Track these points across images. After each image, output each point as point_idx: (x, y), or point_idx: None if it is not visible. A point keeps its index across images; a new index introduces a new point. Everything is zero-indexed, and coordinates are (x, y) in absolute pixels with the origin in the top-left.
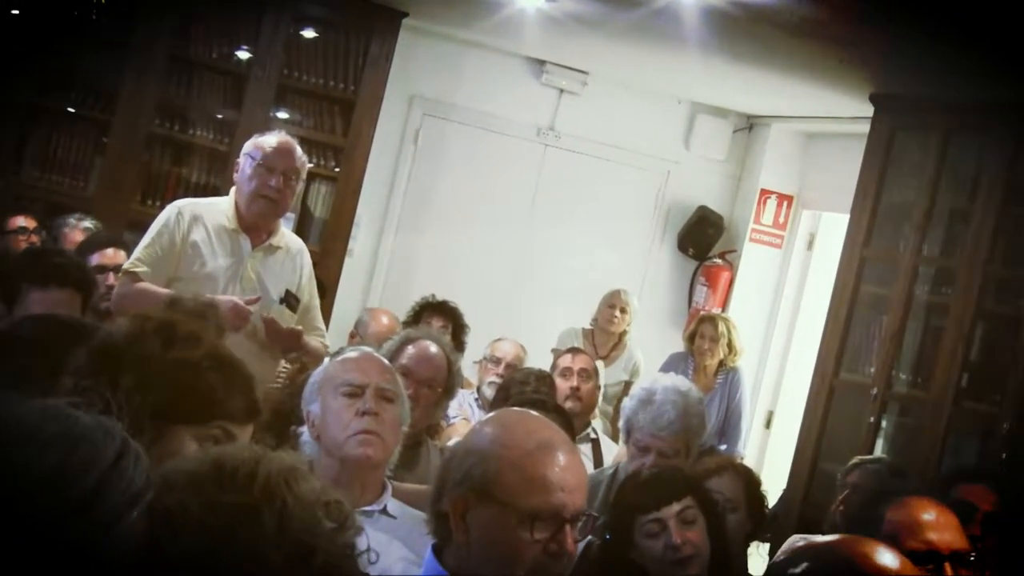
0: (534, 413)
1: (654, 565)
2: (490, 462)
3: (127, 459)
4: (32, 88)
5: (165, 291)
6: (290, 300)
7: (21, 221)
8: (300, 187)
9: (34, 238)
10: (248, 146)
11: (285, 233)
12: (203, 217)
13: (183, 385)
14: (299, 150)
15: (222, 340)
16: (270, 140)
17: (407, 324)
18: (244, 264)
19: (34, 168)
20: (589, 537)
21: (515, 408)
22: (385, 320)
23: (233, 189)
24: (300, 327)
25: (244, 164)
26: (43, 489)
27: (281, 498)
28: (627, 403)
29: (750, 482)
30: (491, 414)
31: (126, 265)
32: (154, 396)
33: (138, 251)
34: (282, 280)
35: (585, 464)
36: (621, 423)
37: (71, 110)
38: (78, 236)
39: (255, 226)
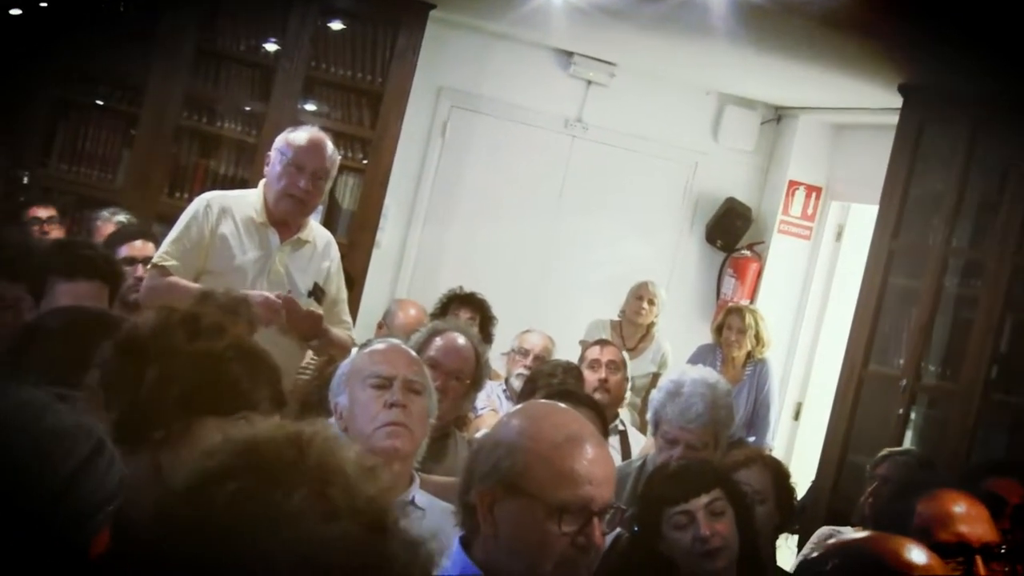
0: (562, 405)
1: (682, 557)
2: (518, 455)
3: (100, 460)
4: (60, 81)
5: (195, 286)
6: (318, 293)
7: (38, 212)
8: (329, 183)
9: (49, 227)
10: (279, 141)
11: (313, 227)
12: (232, 210)
13: (208, 376)
14: (330, 147)
15: (253, 335)
16: (301, 137)
17: (435, 316)
18: (272, 258)
19: (62, 161)
20: (618, 530)
21: (543, 400)
22: (413, 311)
23: (262, 182)
24: (320, 311)
25: (274, 160)
26: (13, 479)
27: (336, 468)
28: (655, 395)
29: (779, 474)
30: (519, 406)
31: (154, 258)
32: (179, 387)
33: (166, 244)
34: (309, 274)
35: (613, 456)
36: (649, 415)
37: (99, 103)
38: (111, 230)
39: (283, 221)
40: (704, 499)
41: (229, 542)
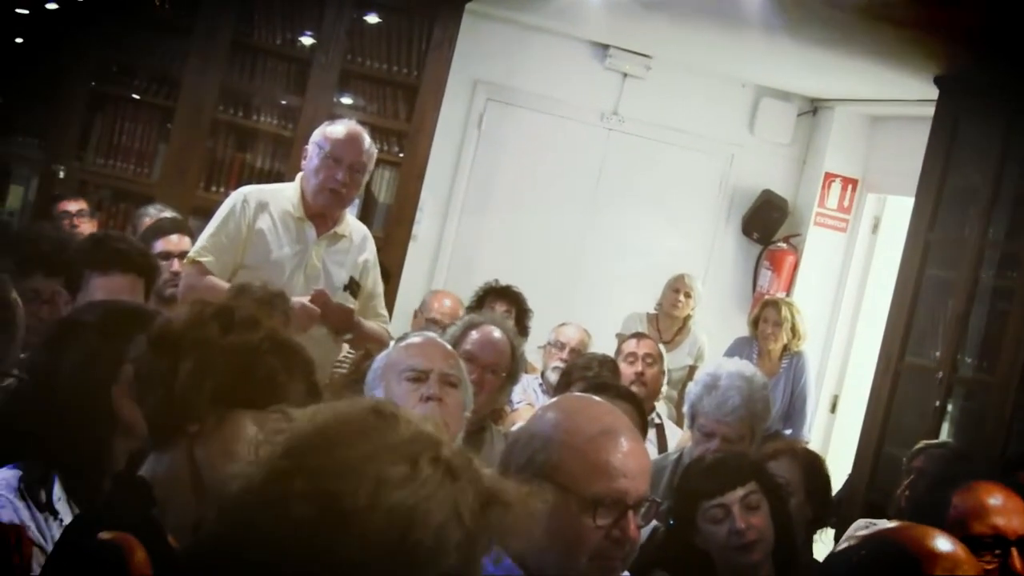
0: (597, 399)
1: (718, 551)
2: (553, 448)
3: None
4: (96, 75)
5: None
6: (353, 288)
7: (68, 205)
8: (366, 177)
9: (79, 221)
10: (316, 135)
11: (350, 221)
12: (269, 204)
13: (242, 369)
14: (367, 140)
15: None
16: (338, 130)
17: (471, 309)
18: (309, 252)
19: (99, 155)
20: (654, 523)
21: (578, 393)
22: (448, 302)
23: (299, 176)
24: (353, 305)
25: (312, 153)
26: None
27: (431, 432)
28: (692, 388)
29: (811, 467)
30: (554, 399)
31: (191, 253)
32: (213, 381)
33: (203, 239)
34: (346, 268)
35: (649, 449)
36: (686, 408)
37: (135, 97)
38: None
39: (320, 215)
40: (740, 492)
41: (375, 537)
